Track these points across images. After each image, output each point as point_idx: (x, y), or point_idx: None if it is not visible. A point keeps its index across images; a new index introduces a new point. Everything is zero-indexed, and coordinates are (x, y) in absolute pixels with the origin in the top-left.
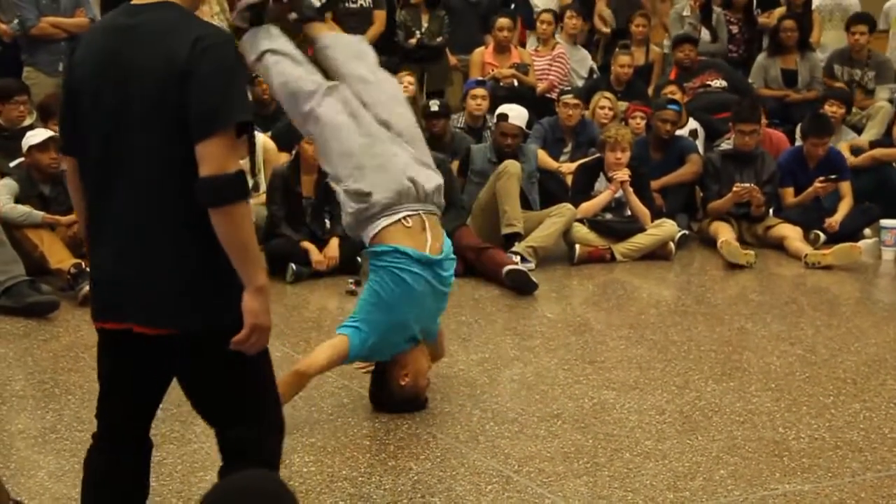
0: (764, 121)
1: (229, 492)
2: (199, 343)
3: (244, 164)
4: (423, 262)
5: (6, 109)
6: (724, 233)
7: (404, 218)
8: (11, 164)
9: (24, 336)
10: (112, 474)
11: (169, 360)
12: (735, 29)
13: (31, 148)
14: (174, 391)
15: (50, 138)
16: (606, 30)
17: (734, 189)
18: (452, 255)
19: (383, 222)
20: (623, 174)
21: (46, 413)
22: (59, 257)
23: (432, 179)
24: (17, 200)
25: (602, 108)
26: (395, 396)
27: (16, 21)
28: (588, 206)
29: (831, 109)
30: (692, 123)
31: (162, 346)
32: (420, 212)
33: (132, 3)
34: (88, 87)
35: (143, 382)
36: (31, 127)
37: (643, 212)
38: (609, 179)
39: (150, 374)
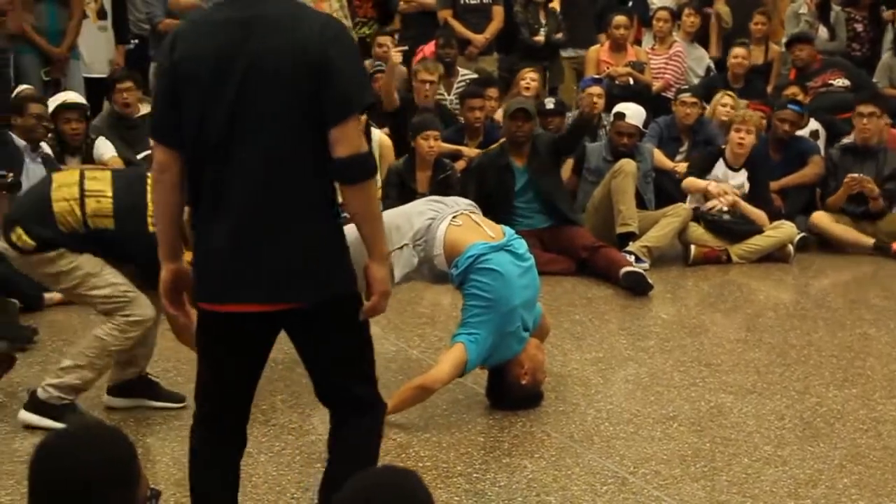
0: (888, 120)
1: (367, 486)
2: (324, 312)
3: None
4: (496, 249)
5: (114, 97)
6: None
7: (452, 219)
8: (139, 156)
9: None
10: (215, 456)
11: (293, 332)
12: (860, 27)
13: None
14: (289, 383)
15: None
16: (725, 26)
17: (845, 180)
18: (515, 235)
19: (438, 232)
20: (727, 200)
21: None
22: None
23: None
24: None
25: (724, 105)
26: (514, 394)
27: (144, 16)
28: (692, 183)
29: None
30: (813, 124)
31: (279, 321)
32: (461, 212)
33: None
34: (203, 81)
35: (248, 361)
36: (147, 116)
37: (759, 215)
38: (728, 164)
39: (256, 351)
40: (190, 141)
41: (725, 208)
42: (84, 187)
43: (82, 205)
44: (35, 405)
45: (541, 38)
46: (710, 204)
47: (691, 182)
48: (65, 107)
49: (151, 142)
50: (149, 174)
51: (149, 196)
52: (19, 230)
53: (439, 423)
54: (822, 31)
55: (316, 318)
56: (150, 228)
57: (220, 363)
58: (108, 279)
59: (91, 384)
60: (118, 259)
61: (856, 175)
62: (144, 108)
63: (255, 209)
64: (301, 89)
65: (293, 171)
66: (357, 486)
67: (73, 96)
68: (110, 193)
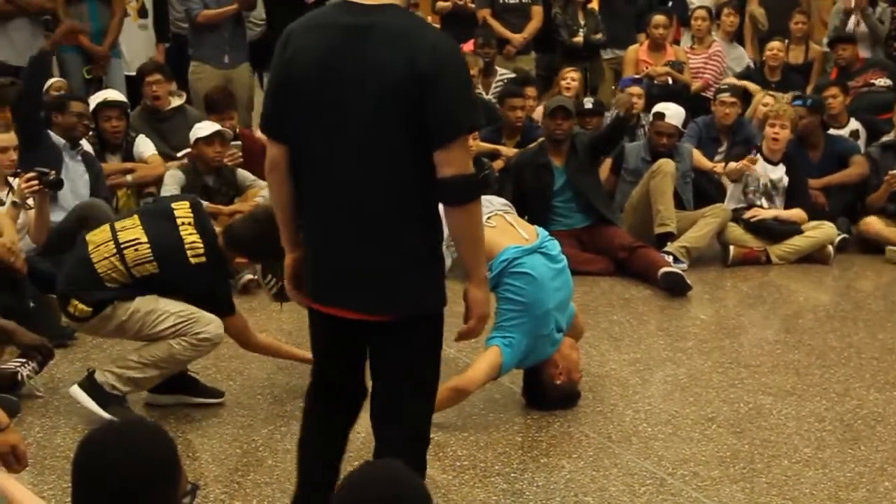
0: None
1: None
2: (409, 328)
3: None
4: (529, 252)
5: (144, 90)
6: (884, 230)
7: (486, 220)
8: (178, 154)
9: None
10: (320, 431)
11: (374, 339)
12: None
13: (197, 140)
14: None
15: (216, 132)
16: (761, 28)
17: (886, 178)
18: (549, 236)
19: None
20: (750, 163)
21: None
22: None
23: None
24: (183, 190)
25: (765, 105)
26: (550, 394)
27: (183, 14)
28: (732, 168)
29: None
30: (853, 124)
31: (369, 328)
32: (495, 212)
33: (354, 2)
34: (312, 82)
35: (347, 353)
36: (179, 108)
37: (797, 214)
38: (768, 159)
39: (352, 345)
40: (297, 139)
41: (767, 217)
42: (118, 240)
43: (122, 258)
44: (89, 385)
45: (579, 38)
46: (749, 213)
47: (731, 167)
48: (105, 105)
49: (191, 140)
50: (174, 207)
51: (181, 230)
52: (74, 301)
53: (477, 423)
54: (862, 27)
55: (400, 332)
56: (192, 261)
57: (321, 351)
58: (168, 309)
59: (149, 385)
60: (167, 294)
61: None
62: (175, 101)
63: (354, 217)
64: (407, 103)
65: (392, 185)
66: (352, 480)
67: (114, 94)
68: (145, 239)
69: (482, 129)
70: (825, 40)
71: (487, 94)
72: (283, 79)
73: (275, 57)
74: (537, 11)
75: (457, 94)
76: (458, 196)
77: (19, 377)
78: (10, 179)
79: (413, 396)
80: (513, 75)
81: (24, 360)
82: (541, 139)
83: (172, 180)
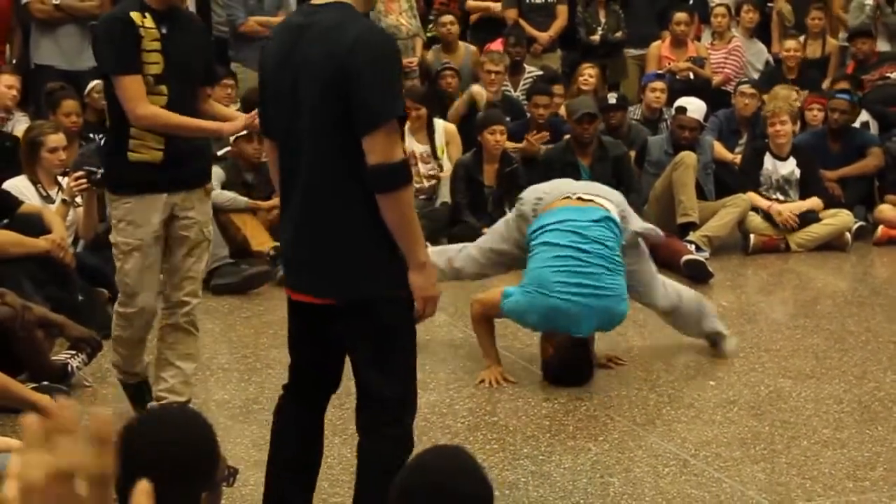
0: None
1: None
2: (359, 313)
3: (425, 149)
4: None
5: (215, 92)
6: None
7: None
8: (219, 153)
9: (228, 313)
10: (293, 423)
11: (334, 327)
12: None
13: (237, 138)
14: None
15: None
16: (787, 23)
17: None
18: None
19: None
20: (784, 219)
21: (249, 385)
22: (260, 240)
23: None
24: (224, 187)
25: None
26: (544, 368)
27: (225, 18)
28: (752, 198)
29: None
30: (864, 115)
31: (328, 314)
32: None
33: (311, 2)
34: (272, 79)
35: (315, 345)
36: None
37: (813, 203)
38: (776, 156)
39: (321, 337)
40: (274, 135)
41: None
42: None
43: None
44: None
45: (596, 37)
46: (766, 207)
47: (755, 199)
48: None
49: (230, 138)
50: None
51: None
52: None
53: (506, 408)
54: (888, 12)
55: (352, 317)
56: None
57: (294, 340)
58: None
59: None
60: None
61: None
62: (234, 106)
63: (305, 207)
64: (336, 96)
65: (331, 174)
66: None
67: None
68: None
69: (509, 125)
70: (842, 35)
71: (516, 91)
72: (259, 77)
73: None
74: (562, 10)
75: (376, 85)
76: (383, 184)
77: (69, 368)
78: (60, 178)
79: (382, 381)
80: (540, 73)
81: (73, 353)
82: (567, 137)
83: (214, 177)
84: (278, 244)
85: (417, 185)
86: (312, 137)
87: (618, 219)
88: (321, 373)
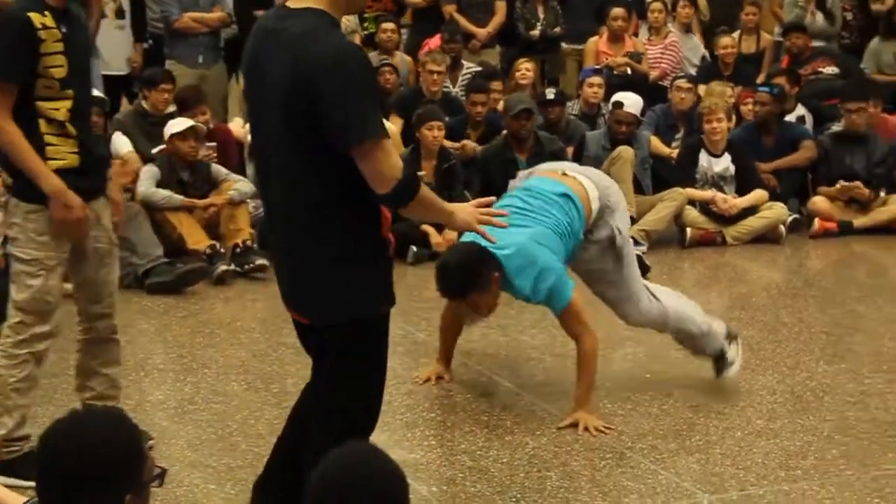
0: (879, 106)
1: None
2: (328, 335)
3: None
4: None
5: (152, 95)
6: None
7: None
8: (154, 151)
9: (164, 313)
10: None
11: (311, 340)
12: (849, 15)
13: (172, 136)
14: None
15: (190, 128)
16: (703, 18)
17: (840, 185)
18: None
19: None
20: (728, 207)
21: (185, 385)
22: (196, 239)
23: None
24: (159, 185)
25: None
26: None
27: (160, 14)
28: (690, 193)
29: None
30: (800, 109)
31: (308, 327)
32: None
33: (286, 4)
34: (246, 83)
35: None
36: (172, 115)
37: (757, 196)
38: (710, 152)
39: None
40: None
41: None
42: None
43: None
44: None
45: (536, 32)
46: (710, 202)
47: (695, 194)
48: None
49: (165, 136)
50: None
51: None
52: None
53: (444, 404)
54: (818, 17)
55: (321, 334)
56: None
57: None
58: None
59: None
60: None
61: (849, 184)
62: (171, 108)
63: (280, 220)
64: (296, 109)
65: (301, 190)
66: (328, 464)
67: (93, 91)
68: None
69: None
70: (776, 30)
71: (455, 87)
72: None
73: None
74: (501, 7)
75: (339, 106)
76: (396, 205)
77: None
78: None
79: (338, 403)
80: (478, 69)
81: None
82: (504, 132)
83: (148, 175)
84: (214, 243)
85: None
86: (285, 156)
87: (579, 201)
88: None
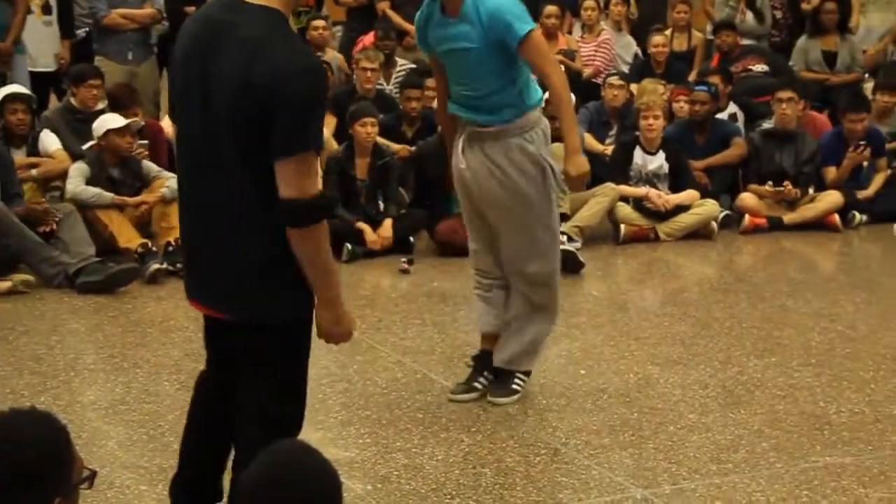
0: (805, 103)
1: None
2: (248, 335)
3: None
4: None
5: (80, 92)
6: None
7: None
8: (84, 147)
9: (95, 312)
10: (208, 400)
11: (230, 339)
12: (778, 14)
13: (108, 131)
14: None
15: (127, 125)
16: (631, 16)
17: (769, 187)
18: None
19: None
20: (662, 202)
21: (116, 386)
22: (128, 237)
23: None
24: (88, 182)
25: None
26: None
27: (87, 10)
28: (625, 190)
29: (883, 99)
30: (732, 107)
31: (224, 325)
32: None
33: None
34: (181, 70)
35: (220, 348)
36: (101, 111)
37: (689, 195)
38: (645, 150)
39: (223, 344)
40: (178, 123)
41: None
42: None
43: None
44: None
45: None
46: (643, 199)
47: (628, 191)
48: (11, 98)
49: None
50: None
51: None
52: None
53: (379, 402)
54: (749, 17)
55: (246, 334)
56: None
57: (205, 338)
58: None
59: None
60: None
61: (780, 189)
62: (102, 104)
63: (202, 216)
64: (242, 113)
65: (238, 193)
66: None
67: (19, 88)
68: None
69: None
70: (707, 28)
71: (389, 84)
72: (171, 60)
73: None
74: None
75: (291, 116)
76: (294, 219)
77: None
78: None
79: (270, 400)
80: (413, 66)
81: None
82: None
83: (77, 173)
84: (146, 241)
85: None
86: (222, 151)
87: None
88: (231, 369)
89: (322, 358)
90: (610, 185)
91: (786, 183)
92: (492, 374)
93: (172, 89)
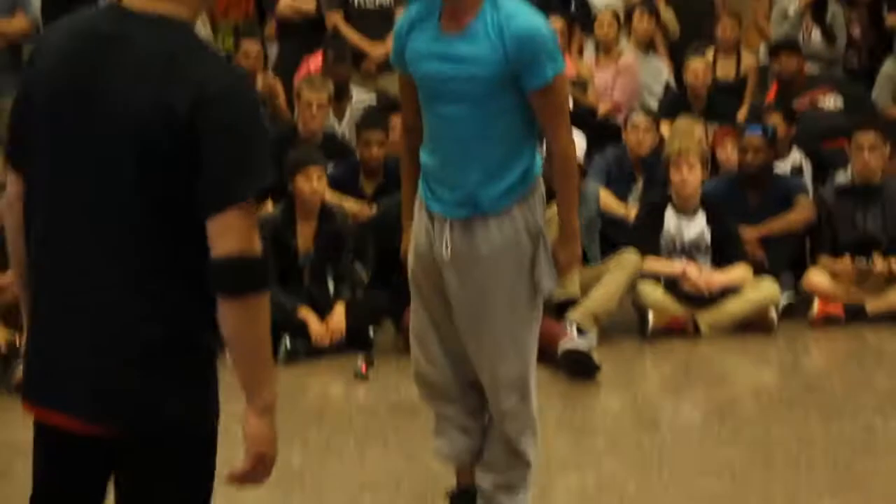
0: (892, 149)
1: None
2: (143, 444)
3: None
4: None
5: None
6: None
7: None
8: None
9: None
10: None
11: (98, 461)
12: (856, 31)
13: None
14: None
15: None
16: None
17: (845, 262)
18: None
19: None
20: (703, 282)
21: None
22: None
23: None
24: None
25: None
26: None
27: None
28: (654, 266)
29: None
30: (795, 155)
31: (94, 444)
32: None
33: (122, 5)
34: (44, 97)
35: (78, 490)
36: None
37: (738, 275)
38: (680, 212)
39: (86, 479)
40: (30, 171)
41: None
42: None
43: None
44: None
45: None
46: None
47: (658, 267)
48: None
49: None
50: None
51: None
52: None
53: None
54: (816, 35)
55: (133, 451)
56: None
57: (41, 476)
58: None
59: None
60: None
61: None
62: None
63: (74, 291)
64: (156, 152)
65: (125, 253)
66: None
67: None
68: None
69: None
70: (762, 49)
71: (342, 122)
72: (20, 87)
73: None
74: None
75: (231, 150)
76: (228, 284)
77: None
78: None
79: None
80: (372, 99)
81: None
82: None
83: None
84: (13, 335)
85: None
86: (98, 195)
87: None
88: None
89: (247, 498)
90: (627, 252)
91: (874, 255)
92: None
93: (20, 123)
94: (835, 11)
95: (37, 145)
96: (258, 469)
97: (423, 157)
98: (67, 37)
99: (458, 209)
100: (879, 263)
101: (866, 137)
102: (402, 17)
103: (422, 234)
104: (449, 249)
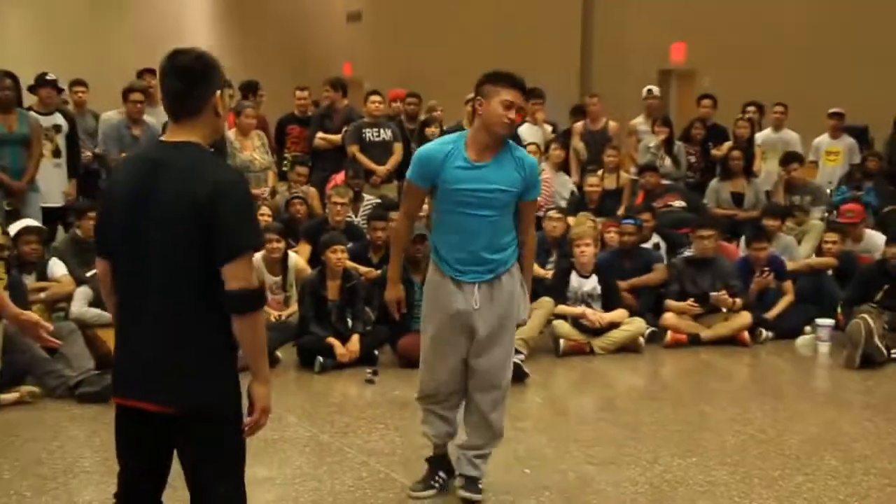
0: (718, 237)
1: None
2: (193, 422)
3: (276, 281)
4: None
5: (83, 224)
6: (680, 322)
7: None
8: (87, 274)
9: (93, 420)
10: None
11: (167, 437)
12: (693, 159)
13: None
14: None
15: None
16: (581, 159)
17: (689, 303)
18: None
19: None
20: (597, 319)
21: (110, 487)
22: None
23: None
24: (90, 305)
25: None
26: None
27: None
28: (564, 309)
29: (769, 223)
30: (655, 238)
31: (162, 422)
32: None
33: (161, 139)
34: (121, 206)
35: (147, 455)
36: None
37: (619, 314)
38: (580, 273)
39: (152, 447)
40: (115, 255)
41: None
42: None
43: None
44: None
45: None
46: (581, 317)
47: (567, 310)
48: (26, 230)
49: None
50: None
51: None
52: None
53: (346, 499)
54: (667, 161)
55: (191, 426)
56: None
57: (123, 450)
58: None
59: None
60: None
61: (719, 295)
62: None
63: (157, 323)
64: (192, 227)
65: (184, 298)
66: None
67: (33, 222)
68: None
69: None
70: (633, 170)
71: (357, 217)
72: (104, 200)
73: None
74: (398, 147)
75: (235, 219)
76: (241, 307)
77: None
78: None
79: (219, 485)
80: (378, 201)
81: None
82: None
83: (81, 296)
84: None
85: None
86: (163, 263)
87: None
88: (151, 480)
89: (296, 459)
90: (544, 298)
91: (722, 291)
92: (446, 474)
93: (108, 221)
94: (679, 146)
95: (118, 234)
96: (262, 419)
97: (446, 246)
98: (133, 162)
99: (486, 275)
100: (725, 298)
101: (705, 230)
102: (434, 150)
103: (448, 296)
104: (478, 302)
